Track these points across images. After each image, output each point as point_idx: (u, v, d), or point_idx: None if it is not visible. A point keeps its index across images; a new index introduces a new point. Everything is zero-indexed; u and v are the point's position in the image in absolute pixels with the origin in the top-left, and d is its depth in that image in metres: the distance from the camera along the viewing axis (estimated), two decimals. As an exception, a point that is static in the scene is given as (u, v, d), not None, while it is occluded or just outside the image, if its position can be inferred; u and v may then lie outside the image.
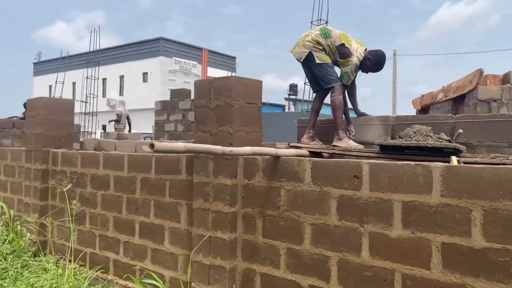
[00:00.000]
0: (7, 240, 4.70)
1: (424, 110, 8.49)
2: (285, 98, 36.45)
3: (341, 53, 3.90)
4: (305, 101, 19.81)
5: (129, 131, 14.27)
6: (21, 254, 4.51)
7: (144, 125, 25.43)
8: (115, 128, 14.13)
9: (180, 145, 2.28)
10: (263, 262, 2.93)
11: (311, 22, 17.80)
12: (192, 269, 3.22)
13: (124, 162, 3.97)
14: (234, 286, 3.03)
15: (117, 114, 14.42)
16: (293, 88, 35.02)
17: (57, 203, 4.69)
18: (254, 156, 2.99)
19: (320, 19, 17.22)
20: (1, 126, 9.27)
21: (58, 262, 4.46)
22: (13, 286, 3.81)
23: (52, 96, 41.98)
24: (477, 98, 6.31)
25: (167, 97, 30.24)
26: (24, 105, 11.24)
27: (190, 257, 3.26)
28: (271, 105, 34.91)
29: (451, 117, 3.95)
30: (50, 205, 4.77)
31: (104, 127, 27.50)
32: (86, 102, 24.78)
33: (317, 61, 3.89)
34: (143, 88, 31.24)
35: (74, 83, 40.84)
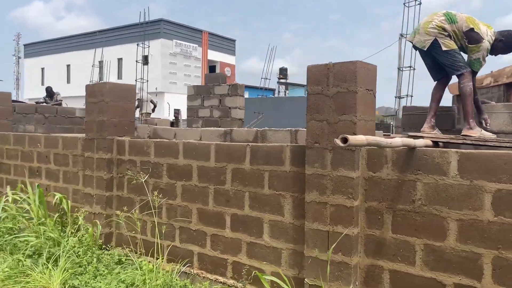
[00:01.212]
0: (71, 232, 4.50)
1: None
2: (278, 82, 35.86)
3: (470, 38, 3.69)
4: (299, 85, 19.17)
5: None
6: (88, 247, 4.31)
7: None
8: (141, 114, 13.25)
9: (361, 137, 2.09)
10: (393, 258, 2.79)
11: None
12: (305, 265, 3.08)
13: (210, 152, 3.78)
14: (356, 283, 2.90)
15: (137, 99, 13.72)
16: (283, 71, 34.50)
17: (125, 194, 4.49)
18: (372, 148, 2.82)
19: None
20: (24, 111, 8.96)
21: (128, 255, 4.29)
22: (95, 281, 3.64)
23: (44, 79, 41.17)
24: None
25: (168, 81, 29.84)
26: (47, 89, 10.90)
27: (303, 252, 3.11)
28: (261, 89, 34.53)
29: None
30: (116, 196, 4.57)
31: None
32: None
33: (444, 48, 3.69)
34: (144, 71, 30.64)
35: (68, 66, 40.05)
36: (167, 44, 29.91)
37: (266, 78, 16.22)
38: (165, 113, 29.24)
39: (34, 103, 9.88)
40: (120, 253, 4.25)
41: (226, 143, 3.78)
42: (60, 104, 10.64)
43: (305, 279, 3.06)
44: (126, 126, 4.70)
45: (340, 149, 2.90)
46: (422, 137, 3.23)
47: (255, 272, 3.44)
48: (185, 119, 9.75)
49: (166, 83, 29.66)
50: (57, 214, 4.87)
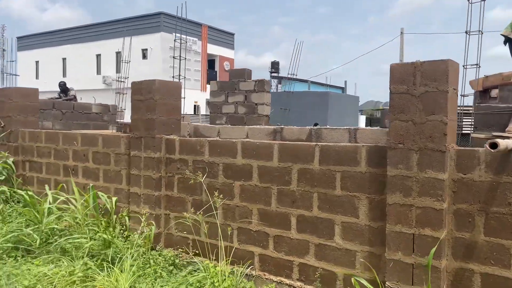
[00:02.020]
0: (117, 233, 4.39)
1: (485, 91, 8.35)
2: (271, 77, 35.36)
3: None
4: (294, 79, 18.78)
5: None
6: (146, 249, 4.21)
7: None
8: None
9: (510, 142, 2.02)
10: (485, 261, 2.74)
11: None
12: (386, 268, 3.01)
13: (273, 152, 3.69)
14: (444, 286, 2.85)
15: None
16: (274, 65, 34.15)
17: (175, 194, 4.39)
18: (474, 148, 2.77)
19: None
20: (41, 107, 8.79)
21: (179, 255, 4.21)
22: (161, 284, 3.55)
23: (39, 73, 40.59)
24: None
25: (168, 75, 29.44)
26: (60, 84, 10.68)
27: (380, 255, 3.05)
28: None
29: None
30: (164, 196, 4.47)
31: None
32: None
33: None
34: (142, 65, 30.33)
35: (64, 59, 39.49)
36: (167, 38, 29.56)
37: (293, 74, 16.23)
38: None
39: (48, 99, 9.69)
40: (171, 254, 4.17)
41: (291, 142, 3.69)
42: (74, 100, 10.46)
43: (387, 282, 3.00)
44: (173, 124, 4.59)
45: (428, 150, 2.83)
46: (508, 137, 3.18)
47: (321, 273, 3.39)
48: (203, 114, 9.61)
49: (166, 78, 29.38)
50: (99, 216, 4.76)
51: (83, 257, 3.88)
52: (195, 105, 32.34)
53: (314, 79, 34.85)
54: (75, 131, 6.14)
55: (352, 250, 3.28)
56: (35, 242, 4.26)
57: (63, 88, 10.54)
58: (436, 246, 2.78)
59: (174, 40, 20.82)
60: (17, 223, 4.66)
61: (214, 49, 33.93)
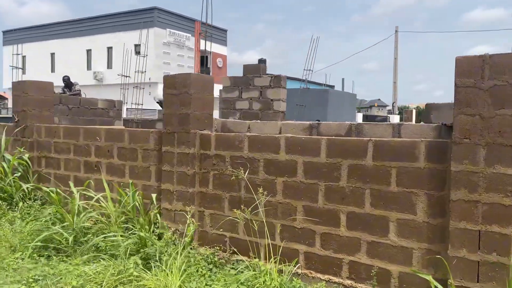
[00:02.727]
0: (152, 231, 4.25)
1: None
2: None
3: None
4: (288, 77, 18.65)
5: None
6: (174, 246, 4.09)
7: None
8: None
9: None
10: (556, 258, 2.70)
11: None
12: (449, 266, 2.95)
13: (320, 147, 3.60)
14: (512, 284, 2.80)
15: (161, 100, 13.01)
16: (261, 62, 34.17)
17: (210, 190, 4.28)
18: (545, 143, 2.71)
19: None
20: (47, 102, 8.55)
21: (217, 253, 4.10)
22: (210, 283, 3.44)
23: (26, 68, 39.70)
24: None
25: (161, 71, 29.12)
26: (64, 79, 10.41)
27: (439, 252, 2.99)
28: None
29: None
30: (199, 193, 4.35)
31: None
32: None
33: None
34: (135, 60, 29.86)
35: (52, 54, 38.72)
36: (161, 34, 29.26)
37: (309, 70, 16.38)
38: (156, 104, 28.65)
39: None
40: (209, 253, 4.05)
41: (341, 138, 3.61)
42: (79, 95, 10.22)
43: (449, 280, 2.94)
44: (206, 119, 4.46)
45: (496, 145, 2.77)
46: None
47: (375, 271, 3.32)
48: None
49: (159, 74, 29.04)
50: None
51: (121, 256, 3.74)
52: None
53: (300, 77, 34.81)
54: (97, 126, 5.97)
55: (409, 248, 3.22)
56: (66, 240, 4.10)
57: (67, 83, 10.28)
58: (490, 243, 2.72)
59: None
60: (44, 221, 4.48)
61: (207, 45, 33.64)
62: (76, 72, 34.72)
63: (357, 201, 3.43)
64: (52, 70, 38.35)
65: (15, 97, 6.00)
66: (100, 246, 4.03)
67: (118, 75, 20.72)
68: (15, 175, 5.64)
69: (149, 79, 26.48)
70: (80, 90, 10.42)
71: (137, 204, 4.53)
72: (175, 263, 3.53)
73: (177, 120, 4.37)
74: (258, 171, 3.96)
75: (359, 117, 23.53)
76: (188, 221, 4.23)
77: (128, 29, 30.13)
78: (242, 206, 4.04)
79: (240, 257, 4.05)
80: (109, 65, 33.39)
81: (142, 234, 3.90)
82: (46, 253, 4.05)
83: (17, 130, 5.90)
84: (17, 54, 27.38)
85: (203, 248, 4.24)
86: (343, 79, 18.38)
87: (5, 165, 5.60)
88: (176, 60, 30.14)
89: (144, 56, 18.32)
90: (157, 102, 12.91)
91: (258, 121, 5.34)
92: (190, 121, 4.28)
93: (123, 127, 5.12)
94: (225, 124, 5.05)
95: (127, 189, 4.61)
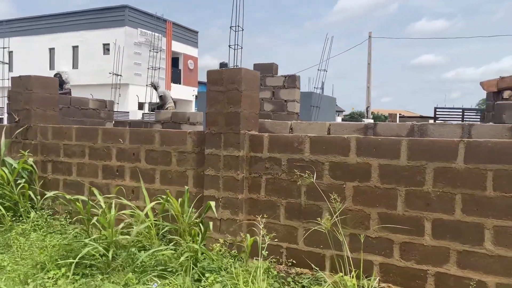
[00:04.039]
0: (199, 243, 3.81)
1: (498, 93, 8.48)
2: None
3: None
4: None
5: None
6: (229, 259, 3.67)
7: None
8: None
9: None
10: None
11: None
12: None
13: (400, 149, 3.31)
14: None
15: (160, 96, 11.91)
16: (223, 66, 33.68)
17: (261, 197, 3.89)
18: None
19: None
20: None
21: (273, 266, 3.72)
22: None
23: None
24: None
25: (132, 72, 28.15)
26: (56, 77, 9.57)
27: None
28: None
29: None
30: (248, 199, 3.95)
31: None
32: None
33: None
34: (104, 61, 28.67)
35: (11, 53, 36.57)
36: (132, 33, 28.26)
37: (325, 70, 16.53)
38: (129, 106, 27.62)
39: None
40: (266, 266, 3.66)
41: (426, 138, 3.33)
42: (69, 94, 9.47)
43: None
44: (253, 119, 4.08)
45: None
46: None
47: (467, 283, 3.06)
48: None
49: (130, 75, 28.05)
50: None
51: (179, 273, 3.29)
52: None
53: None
54: (120, 127, 5.42)
55: (508, 257, 2.98)
56: (102, 256, 3.59)
57: (59, 81, 9.47)
58: None
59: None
60: (73, 235, 3.93)
61: (178, 47, 32.92)
62: (38, 72, 32.81)
63: (445, 207, 3.16)
64: (10, 69, 36.21)
65: (15, 94, 5.35)
66: (144, 262, 3.55)
67: (110, 73, 19.71)
68: (19, 181, 5.00)
69: (120, 80, 25.45)
70: (70, 90, 9.65)
71: (175, 212, 4.07)
72: (254, 280, 3.12)
73: (224, 120, 3.95)
74: (322, 176, 3.62)
75: (338, 120, 23.63)
76: (232, 231, 3.83)
77: (96, 28, 28.92)
78: (301, 214, 3.69)
79: (298, 269, 3.70)
80: (75, 65, 31.90)
81: (195, 246, 3.46)
82: (80, 271, 3.52)
83: (18, 131, 5.25)
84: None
85: (255, 259, 3.84)
86: (323, 83, 18.37)
87: (6, 171, 4.94)
88: (148, 61, 29.16)
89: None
90: (158, 95, 11.93)
91: (300, 121, 5.00)
92: (241, 120, 3.89)
93: (156, 129, 4.62)
94: (263, 125, 4.67)
95: (162, 196, 4.14)
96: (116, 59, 26.41)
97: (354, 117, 43.12)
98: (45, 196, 4.71)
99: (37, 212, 4.71)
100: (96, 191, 4.30)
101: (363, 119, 28.21)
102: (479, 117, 13.39)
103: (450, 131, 3.81)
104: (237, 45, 14.45)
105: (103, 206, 4.11)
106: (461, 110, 14.07)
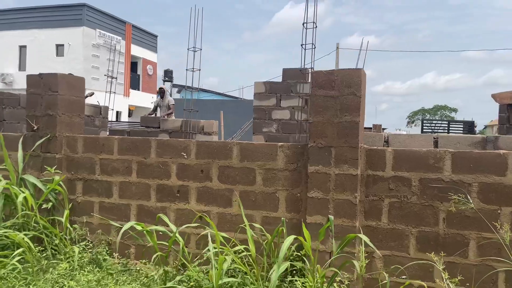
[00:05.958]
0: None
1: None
2: (173, 85, 33.08)
3: None
4: (201, 89, 17.22)
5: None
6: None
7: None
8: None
9: None
10: None
11: None
12: None
13: None
14: None
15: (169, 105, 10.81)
16: (168, 74, 32.51)
17: (384, 224, 3.26)
18: None
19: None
20: (11, 105, 6.73)
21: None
22: None
23: None
24: None
25: (90, 76, 26.36)
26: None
27: None
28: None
29: None
30: (365, 227, 3.30)
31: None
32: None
33: None
34: (57, 63, 26.51)
35: None
36: (90, 34, 26.44)
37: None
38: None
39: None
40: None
41: None
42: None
43: None
44: (363, 130, 3.44)
45: None
46: None
47: None
48: (128, 121, 8.06)
49: (88, 79, 26.14)
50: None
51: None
52: (117, 112, 29.26)
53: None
54: (183, 139, 4.57)
55: None
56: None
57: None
58: None
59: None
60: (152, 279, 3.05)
61: (137, 51, 31.35)
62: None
63: None
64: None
65: (33, 95, 4.31)
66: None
67: (105, 75, 17.99)
68: (44, 206, 3.99)
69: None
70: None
71: (263, 243, 3.33)
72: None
73: (335, 131, 3.28)
74: (471, 197, 3.05)
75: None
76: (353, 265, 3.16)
77: (50, 26, 26.79)
78: (439, 245, 3.10)
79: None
80: (22, 67, 29.33)
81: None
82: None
83: (39, 142, 4.22)
84: None
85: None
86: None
87: (27, 192, 3.91)
88: (106, 64, 27.44)
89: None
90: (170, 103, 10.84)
91: (402, 131, 4.40)
92: (359, 132, 3.24)
93: (232, 142, 3.83)
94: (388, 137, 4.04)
95: (254, 224, 3.38)
96: (70, 61, 24.61)
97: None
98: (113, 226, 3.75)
99: (77, 245, 3.74)
100: (165, 218, 3.45)
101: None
102: (461, 129, 13.71)
103: None
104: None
105: (179, 238, 3.28)
106: (447, 122, 14.34)
